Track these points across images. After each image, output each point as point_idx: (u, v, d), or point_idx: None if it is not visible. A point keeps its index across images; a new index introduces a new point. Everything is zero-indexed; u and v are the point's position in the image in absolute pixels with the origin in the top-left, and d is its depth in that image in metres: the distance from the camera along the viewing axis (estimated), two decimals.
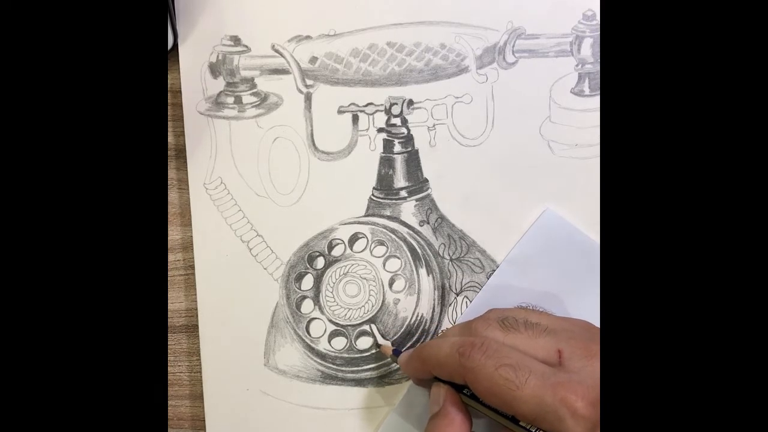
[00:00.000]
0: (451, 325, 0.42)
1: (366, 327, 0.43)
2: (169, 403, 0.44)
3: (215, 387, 0.43)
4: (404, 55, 0.43)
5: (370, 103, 0.43)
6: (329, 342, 0.43)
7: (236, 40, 0.44)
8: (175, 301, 0.44)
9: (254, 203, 0.43)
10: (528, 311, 0.36)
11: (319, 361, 0.43)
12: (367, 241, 0.43)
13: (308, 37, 0.44)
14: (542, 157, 0.42)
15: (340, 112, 0.43)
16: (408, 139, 0.43)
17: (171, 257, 0.44)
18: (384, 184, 0.43)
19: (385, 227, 0.43)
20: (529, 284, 0.41)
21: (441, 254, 0.43)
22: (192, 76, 0.44)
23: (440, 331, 0.42)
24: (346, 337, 0.43)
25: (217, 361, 0.43)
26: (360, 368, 0.42)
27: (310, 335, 0.43)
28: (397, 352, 0.40)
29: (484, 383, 0.31)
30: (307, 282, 0.43)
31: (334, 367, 0.43)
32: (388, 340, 0.42)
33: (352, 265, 0.43)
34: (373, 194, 0.43)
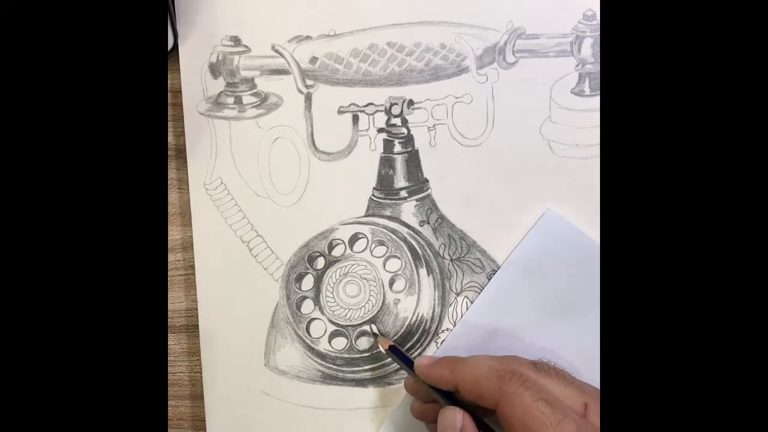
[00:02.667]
0: (452, 328, 0.42)
1: (366, 327, 0.43)
2: (169, 403, 0.44)
3: (215, 387, 0.43)
4: (404, 55, 0.43)
5: (371, 104, 0.43)
6: (329, 342, 0.43)
7: (236, 41, 0.44)
8: (175, 301, 0.44)
9: (254, 203, 0.43)
10: (552, 364, 0.36)
11: (319, 361, 0.43)
12: (368, 241, 0.43)
13: (308, 38, 0.44)
14: (542, 157, 0.42)
15: (340, 112, 0.43)
16: (408, 140, 0.43)
17: (171, 257, 0.44)
18: (384, 184, 0.43)
19: (385, 227, 0.43)
20: (531, 285, 0.41)
21: (441, 254, 0.43)
22: (192, 77, 0.44)
23: (441, 332, 0.42)
24: (347, 338, 0.43)
25: (217, 361, 0.43)
26: (360, 368, 0.42)
27: (310, 335, 0.43)
28: (394, 349, 0.40)
29: (518, 411, 0.32)
30: (308, 282, 0.43)
31: (335, 367, 0.43)
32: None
33: (353, 265, 0.43)
34: (373, 194, 0.43)
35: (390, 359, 0.42)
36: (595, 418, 0.32)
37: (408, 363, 0.39)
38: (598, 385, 0.36)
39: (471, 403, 0.35)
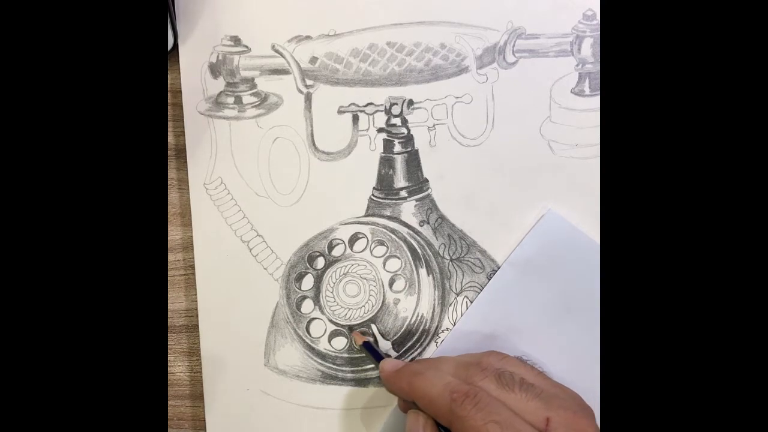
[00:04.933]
0: (450, 331, 0.42)
1: (364, 327, 0.43)
2: (169, 403, 0.44)
3: (215, 387, 0.43)
4: (404, 55, 0.43)
5: (370, 103, 0.43)
6: (329, 342, 0.43)
7: (236, 40, 0.44)
8: (175, 301, 0.44)
9: (254, 203, 0.43)
10: (526, 368, 0.35)
11: (319, 361, 0.43)
12: (367, 241, 0.43)
13: (308, 37, 0.44)
14: (542, 157, 0.42)
15: (340, 112, 0.43)
16: (408, 139, 0.43)
17: (171, 257, 0.44)
18: (384, 184, 0.43)
19: (385, 227, 0.43)
20: (531, 285, 0.41)
21: (441, 254, 0.43)
22: (192, 76, 0.44)
23: (441, 332, 0.42)
24: (347, 337, 0.43)
25: (217, 361, 0.43)
26: (360, 368, 0.42)
27: (310, 335, 0.43)
28: (367, 345, 0.40)
29: None
30: (308, 282, 0.43)
31: (335, 367, 0.43)
32: (388, 340, 0.42)
33: (352, 265, 0.43)
34: (373, 194, 0.43)
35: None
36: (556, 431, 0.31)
37: (378, 361, 0.39)
38: (588, 386, 0.36)
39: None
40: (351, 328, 0.42)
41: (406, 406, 0.38)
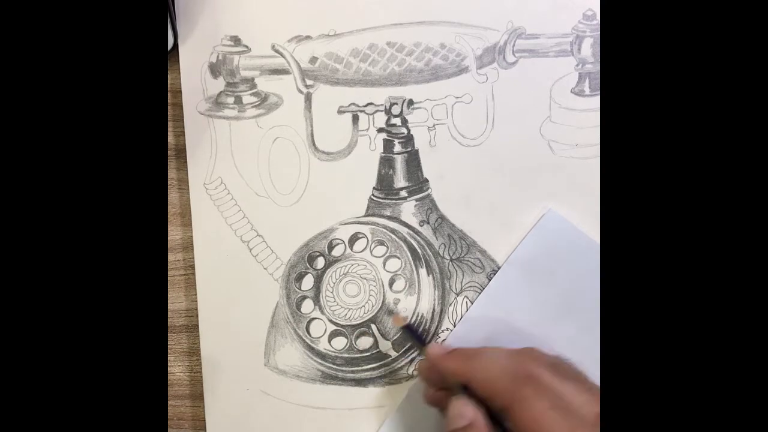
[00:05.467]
0: (452, 328, 0.42)
1: (365, 328, 0.43)
2: (169, 403, 0.44)
3: (215, 387, 0.43)
4: (404, 55, 0.43)
5: (370, 103, 0.43)
6: (329, 342, 0.43)
7: (236, 40, 0.44)
8: (175, 301, 0.44)
9: (254, 203, 0.43)
10: (571, 364, 0.35)
11: (319, 361, 0.43)
12: (367, 241, 0.43)
13: (308, 37, 0.44)
14: (542, 157, 0.42)
15: (340, 112, 0.43)
16: (408, 139, 0.43)
17: (171, 257, 0.44)
18: (384, 184, 0.43)
19: (385, 227, 0.43)
20: (531, 285, 0.41)
21: (441, 254, 0.43)
22: (192, 76, 0.44)
23: (441, 332, 0.42)
24: (346, 337, 0.43)
25: (217, 361, 0.43)
26: (360, 368, 0.42)
27: (310, 335, 0.43)
28: (410, 328, 0.40)
29: (530, 418, 0.31)
30: (308, 282, 0.43)
31: (335, 367, 0.43)
32: (388, 340, 0.42)
33: (352, 265, 0.43)
34: (373, 194, 0.43)
35: (390, 358, 0.42)
36: None
37: (423, 344, 0.38)
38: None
39: (481, 396, 0.34)
40: (390, 312, 0.42)
41: (436, 397, 0.37)
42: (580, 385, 0.33)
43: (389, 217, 0.43)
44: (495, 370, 0.33)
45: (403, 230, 0.43)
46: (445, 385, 0.37)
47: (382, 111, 0.43)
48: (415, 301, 0.42)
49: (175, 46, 0.44)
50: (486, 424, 0.33)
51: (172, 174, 0.44)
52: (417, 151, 0.43)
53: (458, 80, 0.43)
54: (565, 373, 0.33)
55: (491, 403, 0.33)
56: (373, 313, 0.43)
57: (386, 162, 0.43)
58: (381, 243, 0.43)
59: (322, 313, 0.43)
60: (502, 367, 0.33)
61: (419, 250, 0.43)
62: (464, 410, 0.34)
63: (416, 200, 0.43)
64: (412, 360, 0.42)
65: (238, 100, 0.44)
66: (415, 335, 0.40)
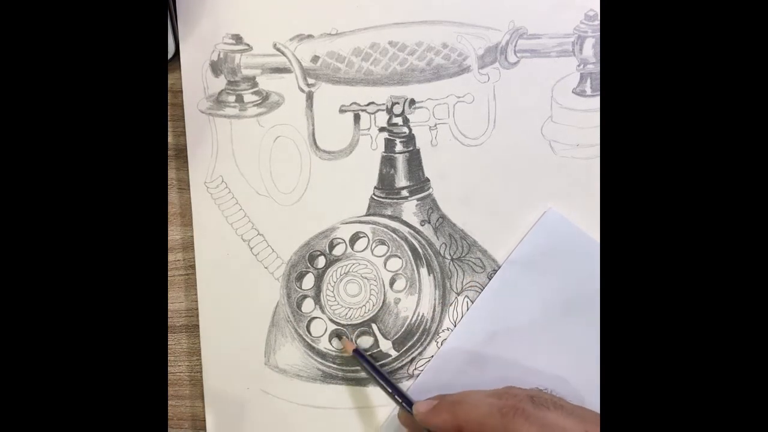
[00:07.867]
0: (453, 328, 0.42)
1: (365, 328, 0.43)
2: (169, 403, 0.44)
3: (215, 387, 0.43)
4: (406, 54, 0.43)
5: (372, 103, 0.43)
6: (330, 341, 0.43)
7: (238, 39, 0.44)
8: (175, 301, 0.44)
9: (255, 202, 0.43)
10: (549, 394, 0.36)
11: (319, 360, 0.43)
12: (368, 240, 0.43)
13: (310, 36, 0.43)
14: (544, 157, 0.42)
15: (341, 111, 0.43)
16: (409, 139, 0.43)
17: (171, 257, 0.44)
18: (385, 183, 0.43)
19: (386, 227, 0.43)
20: (531, 285, 0.41)
21: (442, 254, 0.43)
22: (193, 75, 0.44)
23: (442, 331, 0.42)
24: (347, 337, 0.43)
25: (217, 361, 0.43)
26: (360, 368, 0.42)
27: (310, 334, 0.43)
28: (358, 353, 0.40)
29: None
30: (308, 281, 0.43)
31: (335, 366, 0.43)
32: (388, 340, 0.42)
33: (353, 264, 0.43)
34: (374, 193, 0.43)
35: (391, 358, 0.42)
36: None
37: (407, 402, 0.38)
38: (595, 399, 0.36)
39: None
40: (339, 336, 0.42)
41: None
42: (563, 412, 0.34)
43: (390, 217, 0.43)
44: (483, 411, 0.34)
45: (404, 230, 0.43)
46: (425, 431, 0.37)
47: (383, 110, 0.43)
48: (416, 301, 0.42)
49: (177, 53, 0.44)
50: None
51: (172, 174, 0.44)
52: (418, 150, 0.43)
53: (460, 80, 0.43)
54: (546, 403, 0.34)
55: None
56: (374, 313, 0.43)
57: (387, 161, 0.43)
58: (382, 242, 0.43)
59: (323, 312, 0.43)
60: (488, 406, 0.34)
61: (420, 250, 0.43)
62: None
63: (417, 200, 0.43)
64: (413, 360, 0.42)
65: (240, 99, 0.44)
66: (403, 398, 0.39)
